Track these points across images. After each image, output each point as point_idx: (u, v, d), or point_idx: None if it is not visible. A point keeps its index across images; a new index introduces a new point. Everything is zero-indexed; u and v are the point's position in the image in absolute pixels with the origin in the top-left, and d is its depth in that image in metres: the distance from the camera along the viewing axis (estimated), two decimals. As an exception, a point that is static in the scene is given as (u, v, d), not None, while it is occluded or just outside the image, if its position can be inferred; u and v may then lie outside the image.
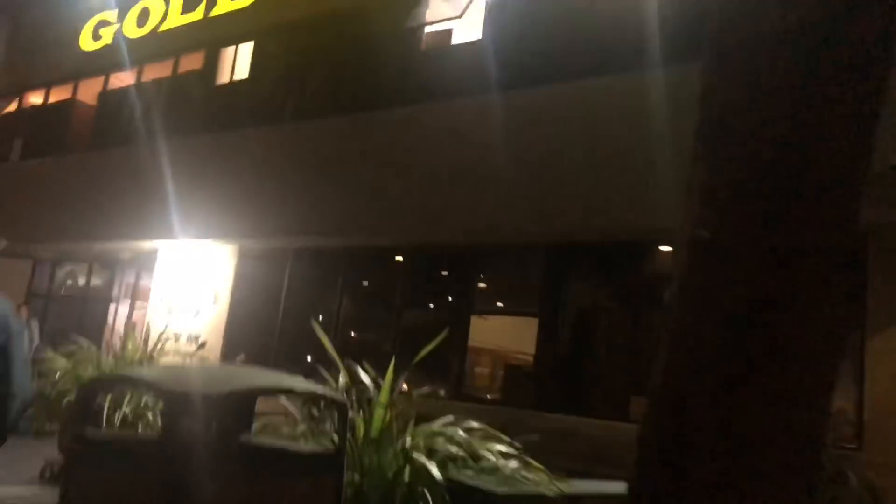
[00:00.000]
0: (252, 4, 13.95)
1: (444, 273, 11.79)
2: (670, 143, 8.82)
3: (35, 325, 14.53)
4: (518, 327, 10.68)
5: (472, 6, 11.31)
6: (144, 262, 15.26)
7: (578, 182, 9.47)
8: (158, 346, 8.14)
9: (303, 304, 12.24)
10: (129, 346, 7.94)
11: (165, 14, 15.49)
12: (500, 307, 11.42)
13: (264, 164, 12.81)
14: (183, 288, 14.20)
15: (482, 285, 11.24)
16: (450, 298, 11.54)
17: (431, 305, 11.82)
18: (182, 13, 15.18)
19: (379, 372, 5.40)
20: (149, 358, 7.84)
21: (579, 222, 9.49)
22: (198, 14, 14.85)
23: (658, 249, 9.61)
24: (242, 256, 13.66)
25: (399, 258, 11.83)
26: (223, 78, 14.42)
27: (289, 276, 12.94)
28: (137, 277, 15.69)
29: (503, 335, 11.23)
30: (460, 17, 11.46)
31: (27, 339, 11.53)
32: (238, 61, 14.22)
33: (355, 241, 11.98)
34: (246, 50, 14.12)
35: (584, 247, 10.04)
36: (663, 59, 9.12)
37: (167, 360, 8.58)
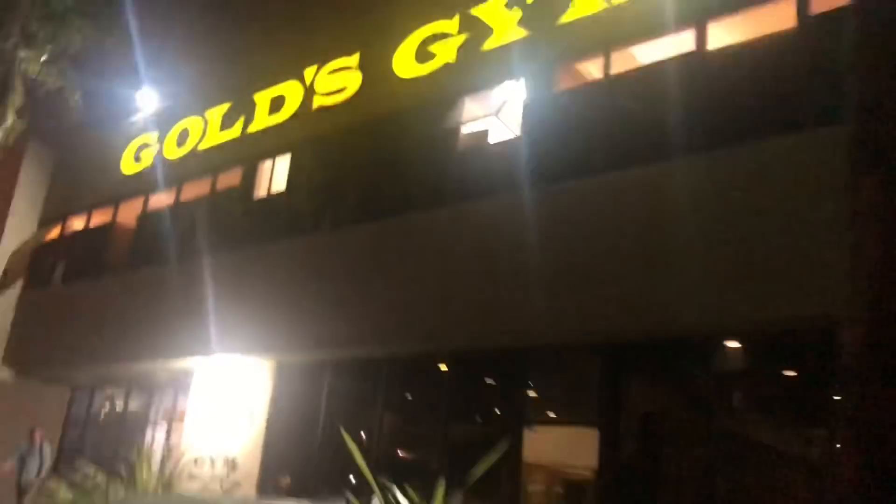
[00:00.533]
0: (289, 118, 13.99)
1: (492, 381, 11.00)
2: (724, 232, 8.21)
3: (48, 449, 14.00)
4: (575, 438, 9.76)
5: (507, 104, 11.07)
6: (181, 384, 14.76)
7: (631, 277, 8.81)
8: (178, 471, 7.48)
9: (343, 420, 11.49)
10: (143, 473, 7.27)
11: (204, 132, 15.63)
12: (555, 417, 10.52)
13: (300, 276, 12.44)
14: (218, 407, 13.59)
15: (533, 393, 10.40)
16: (499, 409, 10.70)
17: (479, 418, 10.97)
18: (221, 130, 15.30)
19: (423, 494, 4.66)
20: (166, 485, 7.16)
21: (635, 319, 8.76)
22: (236, 131, 14.94)
23: (726, 345, 8.78)
24: (279, 371, 13.07)
25: (443, 367, 11.11)
26: (260, 192, 14.29)
27: (327, 391, 12.26)
28: (175, 399, 15.16)
29: (559, 448, 10.27)
30: (496, 115, 11.20)
31: (37, 463, 10.85)
32: (275, 174, 14.11)
33: (396, 350, 11.33)
34: (283, 163, 14.03)
35: (643, 346, 9.24)
36: (701, 147, 8.67)
37: (189, 486, 7.89)
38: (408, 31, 12.41)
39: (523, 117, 10.62)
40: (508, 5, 11.15)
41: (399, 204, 11.78)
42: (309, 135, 13.63)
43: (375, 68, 12.84)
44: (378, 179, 12.32)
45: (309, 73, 13.91)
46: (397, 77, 12.43)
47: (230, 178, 14.85)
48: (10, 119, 14.69)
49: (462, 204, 10.85)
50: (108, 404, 17.20)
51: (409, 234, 11.35)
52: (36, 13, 14.72)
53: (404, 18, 12.56)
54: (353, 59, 13.25)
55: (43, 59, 14.89)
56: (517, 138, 10.73)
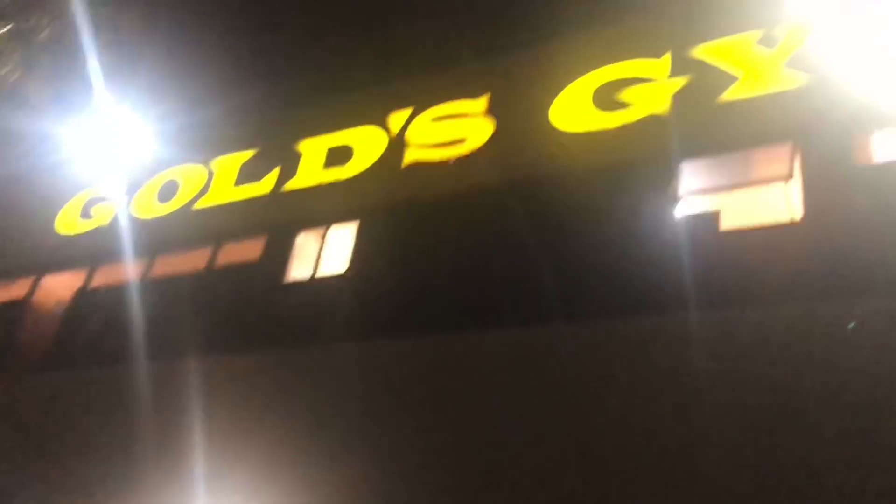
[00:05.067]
0: (361, 174, 9.83)
1: None
2: None
3: None
4: None
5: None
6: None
7: None
8: None
9: None
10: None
11: (206, 186, 11.08)
12: None
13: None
14: None
15: None
16: None
17: None
18: (236, 185, 10.83)
19: None
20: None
21: None
22: (264, 186, 10.55)
23: None
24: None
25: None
26: (297, 272, 9.76)
27: None
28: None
29: None
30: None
31: None
32: (326, 249, 9.69)
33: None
34: (342, 233, 9.69)
35: None
36: None
37: None
38: (575, 72, 8.87)
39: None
40: (764, 42, 7.89)
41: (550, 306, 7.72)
42: (394, 198, 9.46)
43: (516, 116, 9.10)
44: (519, 262, 8.23)
45: (398, 118, 9.96)
46: (555, 129, 8.72)
47: (244, 251, 10.23)
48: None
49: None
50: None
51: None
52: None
53: (567, 53, 9.05)
54: (479, 104, 9.47)
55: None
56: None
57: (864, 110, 7.10)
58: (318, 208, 9.92)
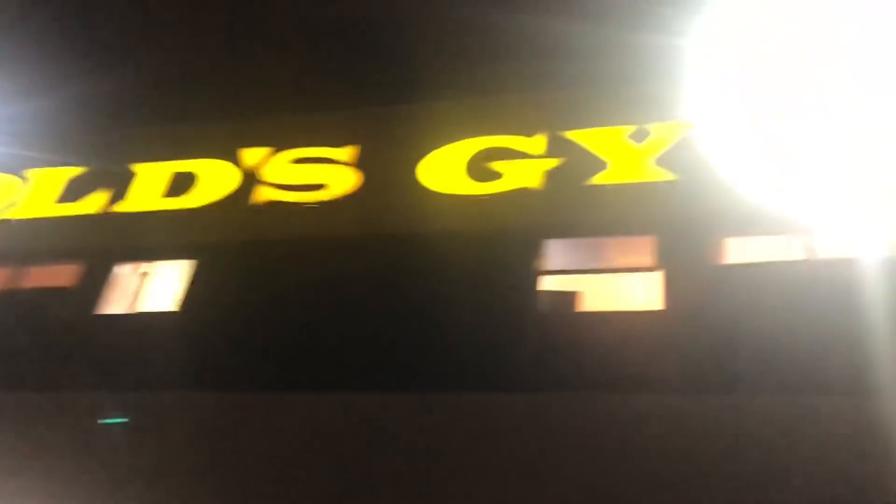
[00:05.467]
0: (205, 207, 8.93)
1: None
2: None
3: None
4: None
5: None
6: None
7: None
8: None
9: None
10: None
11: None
12: None
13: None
14: None
15: None
16: None
17: None
18: (57, 202, 9.53)
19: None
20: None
21: None
22: (89, 205, 9.35)
23: None
24: None
25: None
26: (118, 305, 8.58)
27: None
28: None
29: None
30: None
31: None
32: (155, 284, 8.62)
33: None
34: (173, 269, 8.67)
35: None
36: None
37: None
38: (450, 136, 8.66)
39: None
40: (636, 137, 8.07)
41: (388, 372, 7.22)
42: (239, 236, 8.64)
43: (384, 170, 8.69)
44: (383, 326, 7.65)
45: (253, 154, 9.25)
46: (424, 188, 8.39)
47: (54, 276, 8.92)
48: None
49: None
50: None
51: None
52: None
53: (443, 117, 8.85)
54: (345, 152, 8.98)
55: None
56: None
57: (724, 213, 7.32)
58: (149, 237, 8.87)
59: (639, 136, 8.06)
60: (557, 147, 8.25)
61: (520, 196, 8.02)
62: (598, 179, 7.88)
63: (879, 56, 7.30)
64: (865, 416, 5.73)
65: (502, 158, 8.34)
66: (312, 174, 8.86)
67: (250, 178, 9.05)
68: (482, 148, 8.49)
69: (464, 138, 8.60)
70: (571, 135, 8.31)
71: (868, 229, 6.85)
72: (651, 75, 8.07)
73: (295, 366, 7.57)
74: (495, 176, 8.24)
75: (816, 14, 7.42)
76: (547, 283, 7.54)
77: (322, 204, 8.61)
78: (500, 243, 7.73)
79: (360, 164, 8.79)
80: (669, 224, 7.42)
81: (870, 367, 5.97)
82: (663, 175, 7.73)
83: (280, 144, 9.16)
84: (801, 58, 7.47)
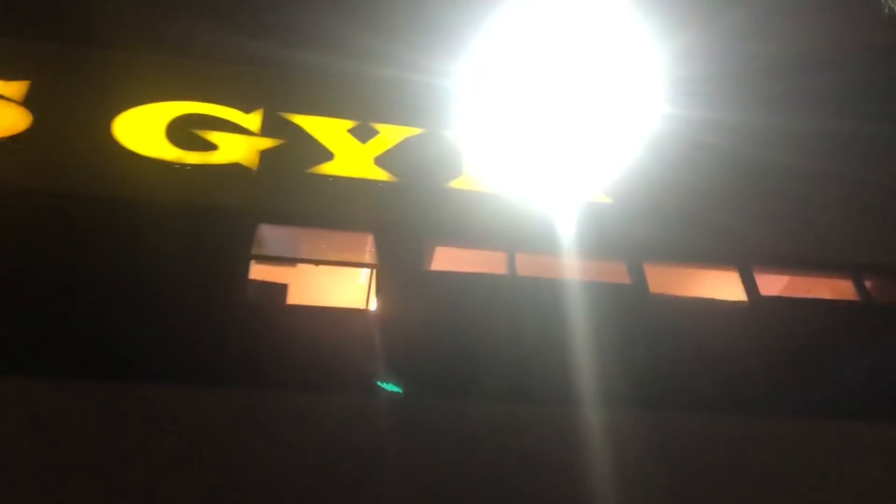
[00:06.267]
0: None
1: None
2: None
3: None
4: None
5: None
6: None
7: None
8: None
9: None
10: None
11: None
12: None
13: None
14: None
15: None
16: None
17: None
18: None
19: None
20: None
21: None
22: None
23: None
24: None
25: None
26: None
27: None
28: None
29: None
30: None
31: None
32: None
33: None
34: None
35: None
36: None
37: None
38: (153, 94, 7.53)
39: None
40: (357, 135, 7.80)
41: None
42: None
43: (67, 117, 7.20)
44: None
45: None
46: (119, 145, 7.12)
47: None
48: None
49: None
50: None
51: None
52: None
53: (148, 72, 7.68)
54: (16, 88, 7.28)
55: None
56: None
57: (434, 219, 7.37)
58: None
59: (363, 133, 7.82)
60: (277, 128, 7.65)
61: (234, 171, 7.22)
62: (321, 169, 7.43)
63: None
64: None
65: (215, 129, 7.47)
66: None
67: None
68: (188, 112, 7.52)
69: (170, 100, 7.55)
70: (294, 118, 7.77)
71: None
72: (384, 75, 7.95)
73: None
74: (206, 146, 7.33)
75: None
76: (257, 269, 6.85)
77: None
78: (206, 219, 6.83)
79: (35, 104, 7.20)
80: (386, 224, 7.25)
81: (571, 374, 6.34)
82: (384, 175, 7.56)
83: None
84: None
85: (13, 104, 7.15)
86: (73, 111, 7.20)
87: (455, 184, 7.67)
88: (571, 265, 7.34)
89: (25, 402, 5.48)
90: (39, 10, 7.84)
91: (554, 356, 6.54)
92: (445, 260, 7.40)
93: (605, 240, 7.53)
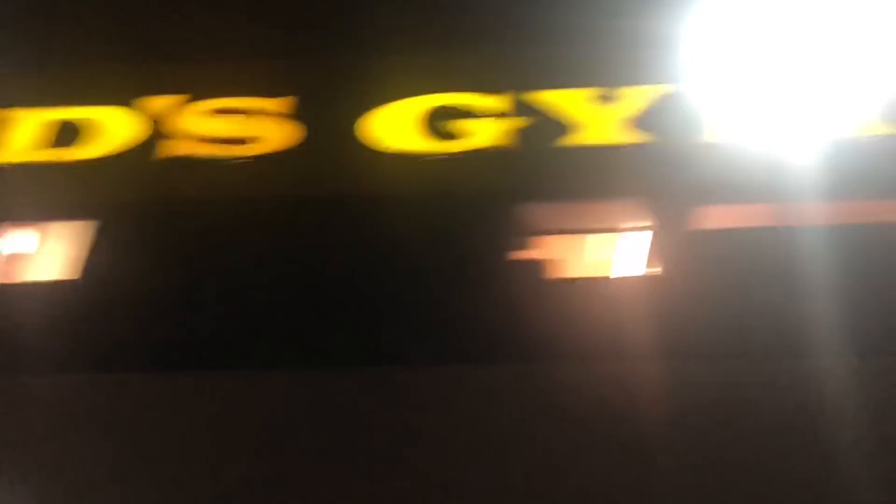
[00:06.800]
0: (97, 161, 7.39)
1: None
2: None
3: None
4: None
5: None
6: None
7: None
8: None
9: None
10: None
11: None
12: None
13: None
14: None
15: None
16: None
17: None
18: None
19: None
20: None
21: None
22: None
23: None
24: None
25: None
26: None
27: None
28: None
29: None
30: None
31: None
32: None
33: None
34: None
35: None
36: None
37: None
38: (401, 92, 7.76)
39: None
40: (602, 102, 7.61)
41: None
42: (146, 194, 7.25)
43: (326, 124, 7.61)
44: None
45: (163, 102, 7.84)
46: (375, 147, 7.43)
47: None
48: None
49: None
50: None
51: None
52: None
53: (395, 72, 7.95)
54: (277, 104, 7.80)
55: None
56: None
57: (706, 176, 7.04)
58: (34, 194, 7.25)
59: (607, 99, 7.63)
60: (523, 107, 7.63)
61: (486, 157, 7.31)
62: (573, 140, 7.34)
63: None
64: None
65: (462, 117, 7.59)
66: (240, 127, 7.64)
67: (158, 129, 7.66)
68: (437, 105, 7.69)
69: (415, 95, 7.77)
70: (538, 95, 7.72)
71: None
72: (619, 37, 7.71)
73: (213, 343, 6.41)
74: (455, 135, 7.47)
75: None
76: (523, 249, 6.89)
77: (251, 159, 7.42)
78: (465, 207, 6.99)
79: (297, 116, 7.68)
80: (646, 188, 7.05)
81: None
82: (636, 138, 7.34)
83: (198, 91, 7.83)
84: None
85: (281, 118, 7.66)
86: (335, 119, 7.58)
87: (709, 138, 7.33)
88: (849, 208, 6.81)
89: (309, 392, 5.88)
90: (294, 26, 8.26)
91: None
92: (714, 218, 7.05)
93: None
